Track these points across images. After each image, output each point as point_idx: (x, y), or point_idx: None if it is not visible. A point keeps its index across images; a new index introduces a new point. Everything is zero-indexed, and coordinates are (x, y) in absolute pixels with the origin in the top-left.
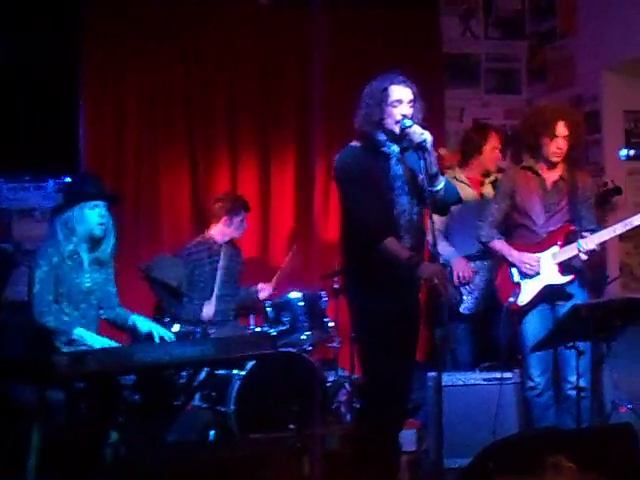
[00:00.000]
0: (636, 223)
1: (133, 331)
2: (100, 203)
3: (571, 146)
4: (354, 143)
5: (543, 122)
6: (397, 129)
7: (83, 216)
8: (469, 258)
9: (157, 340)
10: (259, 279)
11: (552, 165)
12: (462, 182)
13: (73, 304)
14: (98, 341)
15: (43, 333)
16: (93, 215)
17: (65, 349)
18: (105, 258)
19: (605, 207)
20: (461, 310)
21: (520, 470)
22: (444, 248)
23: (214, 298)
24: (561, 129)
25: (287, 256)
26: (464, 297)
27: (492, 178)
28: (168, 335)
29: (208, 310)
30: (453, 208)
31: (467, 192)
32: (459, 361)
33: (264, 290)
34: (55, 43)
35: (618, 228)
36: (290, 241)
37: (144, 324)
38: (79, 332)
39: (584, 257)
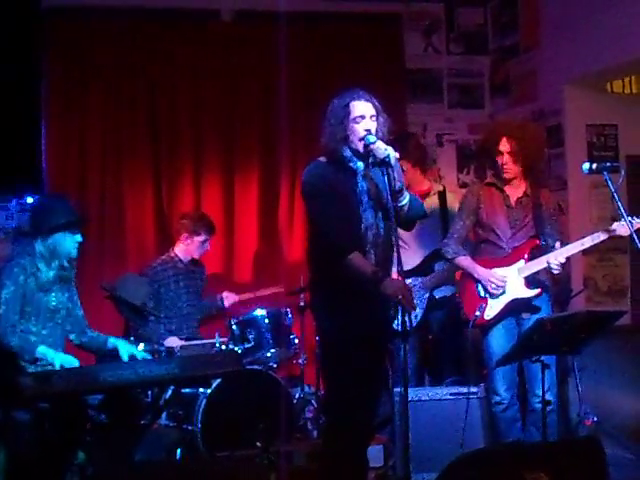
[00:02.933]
0: (603, 237)
1: (112, 354)
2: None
3: (521, 161)
4: (321, 158)
5: (489, 140)
6: (361, 145)
7: (65, 241)
8: (405, 273)
9: None
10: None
11: (506, 182)
12: None
13: (40, 323)
14: (61, 359)
15: (6, 353)
16: (73, 240)
17: (31, 368)
18: (69, 276)
19: None
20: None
21: None
22: None
23: (184, 342)
24: (504, 145)
25: (271, 287)
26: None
27: (439, 189)
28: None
29: (172, 342)
30: None
31: None
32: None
33: (229, 298)
34: (17, 62)
35: (586, 242)
36: (255, 259)
37: (125, 348)
38: (42, 350)
39: (557, 271)
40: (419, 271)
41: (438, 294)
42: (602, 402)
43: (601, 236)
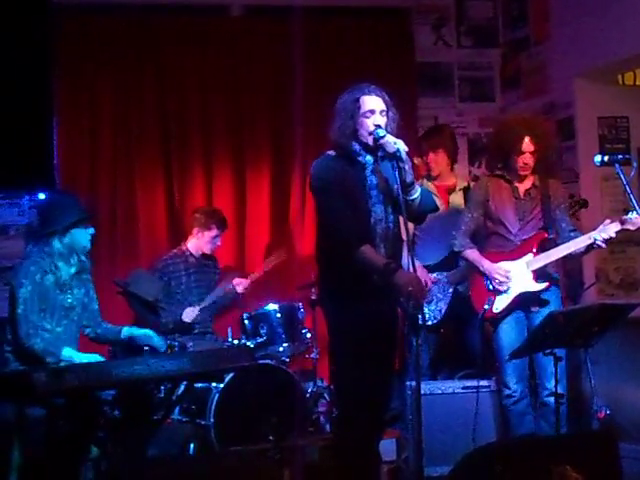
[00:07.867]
0: (610, 233)
1: (127, 343)
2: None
3: (539, 158)
4: (330, 152)
5: (509, 139)
6: (371, 140)
7: (81, 236)
8: (429, 268)
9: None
10: None
11: (520, 177)
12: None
13: (55, 320)
14: (87, 360)
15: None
16: (87, 234)
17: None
18: (86, 266)
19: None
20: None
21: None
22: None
23: (199, 306)
24: (527, 145)
25: (272, 259)
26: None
27: (464, 184)
28: (161, 343)
29: (189, 313)
30: None
31: None
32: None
33: (240, 284)
34: (28, 58)
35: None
36: (266, 253)
37: (140, 331)
38: (67, 352)
39: (603, 245)
40: (444, 266)
41: (463, 288)
42: (615, 395)
43: (608, 231)
